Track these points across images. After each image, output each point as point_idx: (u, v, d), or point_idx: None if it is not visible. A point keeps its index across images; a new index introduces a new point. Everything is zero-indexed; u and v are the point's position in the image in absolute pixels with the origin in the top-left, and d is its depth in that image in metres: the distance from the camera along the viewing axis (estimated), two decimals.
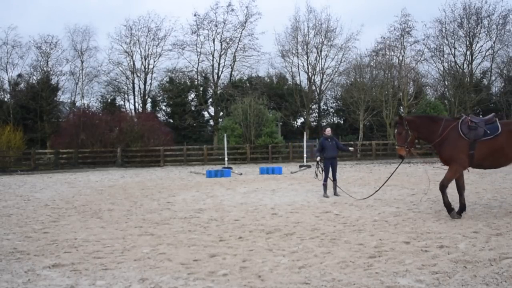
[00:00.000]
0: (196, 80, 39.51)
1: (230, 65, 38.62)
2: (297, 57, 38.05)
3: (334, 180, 11.37)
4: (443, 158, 7.96)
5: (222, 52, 37.89)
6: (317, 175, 11.16)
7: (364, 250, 5.65)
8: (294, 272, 4.79)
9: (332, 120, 42.88)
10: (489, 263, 4.90)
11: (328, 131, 11.53)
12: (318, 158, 11.35)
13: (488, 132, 7.54)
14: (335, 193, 11.25)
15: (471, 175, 15.86)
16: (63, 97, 39.12)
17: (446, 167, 8.04)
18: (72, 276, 4.83)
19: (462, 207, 7.78)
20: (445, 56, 37.59)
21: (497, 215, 7.79)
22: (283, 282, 4.47)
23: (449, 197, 7.72)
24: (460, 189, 7.90)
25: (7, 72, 36.25)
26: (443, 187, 7.67)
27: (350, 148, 12.10)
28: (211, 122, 38.93)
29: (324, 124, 40.35)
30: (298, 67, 38.53)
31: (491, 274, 4.52)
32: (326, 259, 5.28)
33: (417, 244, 5.87)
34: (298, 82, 39.47)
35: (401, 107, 35.24)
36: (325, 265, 5.02)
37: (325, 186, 11.22)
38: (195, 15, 37.11)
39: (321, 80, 38.72)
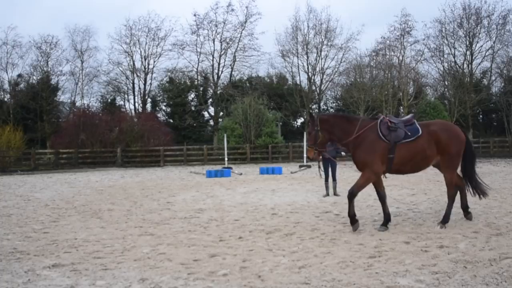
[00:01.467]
0: (196, 80, 39.50)
1: (230, 65, 38.61)
2: (297, 57, 38.03)
3: (334, 180, 11.42)
4: (356, 162, 7.12)
5: (222, 52, 37.88)
6: (320, 175, 11.11)
7: (364, 250, 5.65)
8: (294, 272, 4.79)
9: None
10: (489, 263, 4.90)
11: None
12: (319, 160, 11.36)
13: (409, 134, 6.86)
14: (335, 193, 11.27)
15: None
16: (63, 97, 39.17)
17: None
18: (72, 276, 4.83)
19: (387, 217, 7.08)
20: (445, 56, 37.61)
21: (497, 215, 7.79)
22: (283, 282, 4.47)
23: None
24: (382, 197, 7.19)
25: (7, 72, 36.28)
26: (351, 195, 6.89)
27: (342, 153, 11.82)
28: (211, 122, 38.92)
29: None
30: (298, 67, 38.52)
31: (491, 274, 4.52)
32: (326, 259, 5.28)
33: (417, 244, 5.87)
34: (298, 82, 39.48)
35: (401, 107, 35.23)
36: (325, 265, 5.02)
37: (326, 185, 11.30)
38: (195, 15, 37.11)
39: (321, 80, 38.71)
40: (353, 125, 7.08)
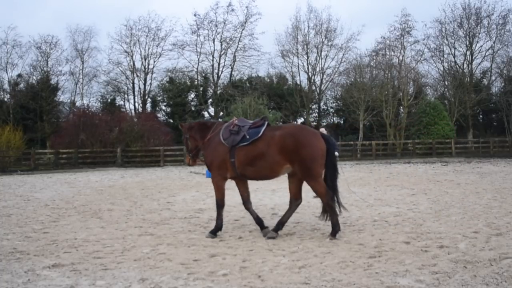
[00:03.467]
0: (196, 80, 39.51)
1: (230, 65, 38.64)
2: (297, 57, 38.08)
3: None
4: (206, 166, 7.15)
5: (222, 52, 37.92)
6: None
7: (364, 250, 5.65)
8: (294, 272, 4.79)
9: (332, 120, 42.92)
10: (489, 263, 4.90)
11: (322, 131, 11.36)
12: None
13: (248, 137, 6.53)
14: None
15: (471, 175, 15.87)
16: (63, 97, 39.21)
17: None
18: (72, 276, 4.83)
19: (259, 222, 6.84)
20: (445, 56, 37.67)
21: (497, 215, 7.79)
22: (283, 282, 4.46)
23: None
24: (245, 203, 6.95)
25: (7, 72, 36.31)
26: (217, 204, 6.80)
27: (336, 153, 11.51)
28: None
29: (324, 124, 40.41)
30: (298, 67, 38.56)
31: (491, 274, 4.52)
32: (326, 259, 5.27)
33: (417, 244, 5.87)
34: (298, 82, 39.51)
35: (401, 107, 35.25)
36: (325, 265, 5.02)
37: None
38: (195, 15, 37.17)
39: (321, 80, 38.76)
40: (209, 129, 7.13)
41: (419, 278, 4.45)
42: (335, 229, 6.36)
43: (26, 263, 5.38)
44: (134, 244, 6.33)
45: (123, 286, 4.49)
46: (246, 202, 6.97)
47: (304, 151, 6.23)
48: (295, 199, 6.83)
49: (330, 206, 6.40)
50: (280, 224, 6.75)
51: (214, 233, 6.71)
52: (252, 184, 14.54)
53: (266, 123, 6.74)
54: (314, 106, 40.87)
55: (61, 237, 6.91)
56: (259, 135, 6.50)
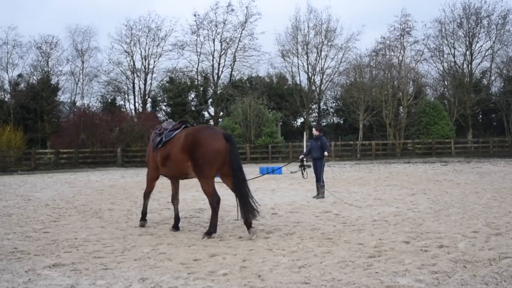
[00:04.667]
0: (196, 80, 39.53)
1: (230, 65, 38.67)
2: (297, 57, 38.10)
3: (317, 181, 11.04)
4: None
5: (222, 52, 37.94)
6: (302, 174, 11.07)
7: (364, 249, 5.66)
8: (294, 271, 4.80)
9: (332, 120, 42.94)
10: (488, 262, 4.91)
11: (314, 131, 11.27)
12: (301, 157, 11.35)
13: (164, 139, 7.12)
14: (318, 195, 10.91)
15: (470, 175, 15.89)
16: (63, 97, 39.23)
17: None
18: (72, 276, 4.84)
19: (176, 220, 7.37)
20: (445, 56, 37.70)
21: (497, 215, 7.80)
22: (283, 281, 4.47)
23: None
24: (173, 198, 7.60)
25: (7, 72, 36.34)
26: (143, 195, 7.83)
27: (325, 153, 10.97)
28: (211, 122, 38.93)
29: (323, 124, 40.44)
30: (298, 67, 38.59)
31: (490, 273, 4.53)
32: (326, 258, 5.28)
33: (417, 244, 5.88)
34: (298, 82, 39.53)
35: (401, 107, 35.26)
36: (325, 264, 5.03)
37: (317, 186, 11.10)
38: (195, 15, 37.23)
39: (321, 80, 38.80)
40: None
41: (419, 278, 4.46)
42: (211, 230, 6.65)
43: (27, 263, 5.39)
44: (134, 243, 6.34)
45: (123, 285, 4.50)
46: (174, 197, 7.67)
47: (198, 150, 6.52)
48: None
49: (213, 208, 6.65)
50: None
51: (142, 219, 7.71)
52: (252, 184, 14.56)
53: (183, 126, 7.25)
54: (314, 106, 40.89)
55: (62, 236, 6.92)
56: (171, 137, 7.06)
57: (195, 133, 6.68)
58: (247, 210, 6.48)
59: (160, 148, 7.13)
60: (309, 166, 11.38)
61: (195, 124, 7.39)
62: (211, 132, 6.71)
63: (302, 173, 11.03)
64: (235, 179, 6.58)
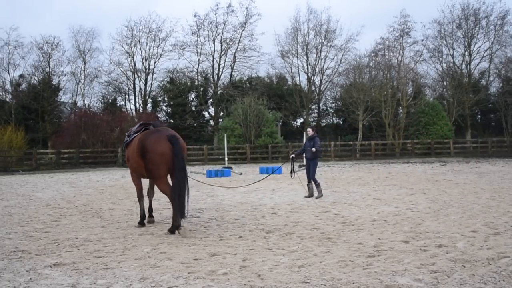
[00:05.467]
0: (196, 81, 39.53)
1: (230, 65, 38.66)
2: (297, 57, 38.09)
3: (309, 182, 11.04)
4: None
5: (222, 53, 37.94)
6: (291, 174, 11.22)
7: (363, 249, 5.69)
8: (293, 271, 4.82)
9: (331, 120, 42.95)
10: (487, 262, 4.93)
11: (309, 131, 11.27)
12: (292, 156, 11.43)
13: (127, 141, 7.79)
14: (309, 195, 10.93)
15: (469, 175, 15.91)
16: (64, 97, 39.18)
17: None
18: (73, 275, 4.87)
19: (142, 217, 7.81)
20: (444, 56, 37.71)
21: (496, 215, 7.83)
22: (283, 281, 4.50)
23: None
24: (148, 191, 8.24)
25: (9, 73, 36.29)
26: (137, 198, 7.95)
27: (313, 149, 10.90)
28: (211, 122, 38.95)
29: (323, 124, 40.47)
30: (297, 67, 38.57)
31: (489, 273, 4.56)
32: (325, 258, 5.31)
33: (416, 243, 5.91)
34: (297, 82, 39.51)
35: (400, 107, 35.28)
36: (324, 264, 5.05)
37: (308, 186, 11.07)
38: (195, 16, 37.19)
39: (321, 80, 38.79)
40: None
41: (418, 277, 4.48)
42: (176, 224, 6.82)
43: (28, 262, 5.42)
44: (135, 243, 6.37)
45: (124, 285, 4.53)
46: (150, 192, 8.20)
47: (146, 155, 6.90)
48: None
49: (174, 200, 6.75)
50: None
51: (140, 223, 7.75)
52: (253, 184, 14.48)
53: (143, 129, 7.57)
54: (313, 106, 40.90)
55: (63, 236, 6.95)
56: (131, 139, 7.55)
57: (143, 139, 6.98)
58: (181, 210, 6.65)
59: (126, 149, 7.85)
60: (301, 166, 11.59)
61: (159, 125, 7.52)
62: (156, 136, 6.93)
63: (291, 172, 11.26)
64: (175, 179, 6.76)
